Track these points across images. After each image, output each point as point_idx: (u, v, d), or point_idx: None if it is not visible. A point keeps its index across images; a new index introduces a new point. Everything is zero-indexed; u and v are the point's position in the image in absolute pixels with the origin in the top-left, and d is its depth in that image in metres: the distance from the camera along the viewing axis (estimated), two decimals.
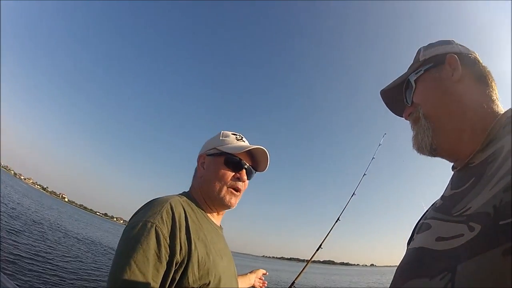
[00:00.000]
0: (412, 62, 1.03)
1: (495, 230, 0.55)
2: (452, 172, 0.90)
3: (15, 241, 13.70)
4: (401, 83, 1.02)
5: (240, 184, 1.41)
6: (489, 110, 0.82)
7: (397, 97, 1.05)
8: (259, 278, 2.13)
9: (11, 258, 10.57)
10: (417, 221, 0.98)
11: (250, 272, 2.09)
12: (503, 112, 0.81)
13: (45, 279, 9.96)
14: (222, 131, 1.52)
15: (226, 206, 1.39)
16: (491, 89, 0.86)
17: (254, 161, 1.51)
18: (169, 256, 1.08)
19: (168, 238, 1.09)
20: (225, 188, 1.37)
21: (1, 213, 19.70)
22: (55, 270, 11.53)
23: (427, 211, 0.96)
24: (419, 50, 1.01)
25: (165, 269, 1.07)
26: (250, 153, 1.48)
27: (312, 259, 3.43)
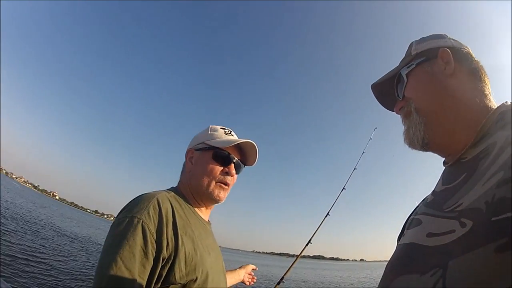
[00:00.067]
0: (403, 56, 1.02)
1: (488, 226, 0.55)
2: (444, 167, 0.89)
3: (10, 242, 13.57)
4: (392, 77, 1.01)
5: (228, 179, 1.40)
6: (482, 105, 0.81)
7: (388, 91, 1.04)
8: (249, 274, 2.13)
9: (7, 260, 10.44)
10: (407, 216, 0.98)
11: (239, 268, 2.08)
12: (495, 107, 0.80)
13: (41, 280, 9.82)
14: (210, 126, 1.50)
15: (215, 200, 1.38)
16: (483, 84, 0.85)
17: (243, 155, 1.50)
18: (155, 252, 1.07)
19: (154, 234, 1.08)
20: (213, 182, 1.36)
21: None
22: (50, 270, 11.43)
23: (417, 206, 0.95)
24: (411, 44, 1.00)
25: (151, 265, 1.06)
26: (239, 147, 1.47)
27: (302, 254, 3.45)
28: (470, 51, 0.92)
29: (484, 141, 0.73)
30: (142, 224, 1.07)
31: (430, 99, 0.87)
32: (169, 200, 1.22)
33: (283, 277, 3.09)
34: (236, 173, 1.45)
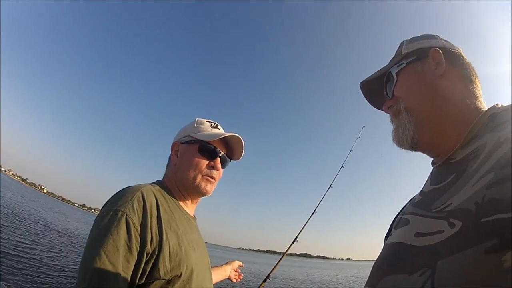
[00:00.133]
0: (393, 55, 1.01)
1: (477, 227, 0.54)
2: (432, 168, 0.89)
3: (1, 237, 13.26)
4: (382, 76, 1.00)
5: (214, 173, 1.38)
6: (472, 106, 0.81)
7: (377, 89, 1.03)
8: (235, 270, 2.11)
9: (1, 256, 10.24)
10: (394, 215, 0.98)
11: (225, 264, 2.06)
12: (486, 109, 0.80)
13: (33, 278, 9.64)
14: (196, 118, 1.49)
15: (202, 193, 1.37)
16: (474, 86, 0.85)
17: (229, 149, 1.49)
18: (139, 247, 1.05)
19: (139, 228, 1.07)
20: (199, 176, 1.34)
21: None
22: (41, 267, 11.23)
23: (405, 206, 0.95)
24: (402, 43, 0.99)
25: (135, 260, 1.04)
26: (225, 141, 1.46)
27: (288, 252, 3.46)
28: (462, 53, 0.92)
29: (473, 142, 0.73)
30: (126, 217, 1.05)
31: (420, 99, 0.87)
32: (154, 194, 1.20)
33: (269, 275, 3.11)
34: (222, 167, 1.43)
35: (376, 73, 1.02)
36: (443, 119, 0.82)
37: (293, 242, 3.57)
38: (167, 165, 1.46)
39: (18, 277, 9.19)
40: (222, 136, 1.39)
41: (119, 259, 1.00)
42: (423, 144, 0.87)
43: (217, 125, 1.48)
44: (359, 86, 1.08)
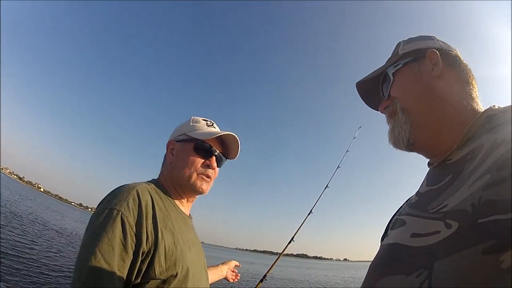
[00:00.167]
0: (390, 55, 1.01)
1: (474, 228, 0.54)
2: (428, 169, 0.89)
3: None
4: (378, 76, 1.00)
5: (210, 172, 1.38)
6: (469, 108, 0.81)
7: (373, 89, 1.03)
8: (232, 270, 2.11)
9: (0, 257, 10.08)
10: (391, 216, 0.98)
11: (221, 264, 2.05)
12: (482, 111, 0.80)
13: (33, 279, 9.50)
14: (192, 117, 1.48)
15: (198, 192, 1.36)
16: (471, 87, 0.85)
17: (225, 148, 1.48)
18: (135, 246, 1.05)
19: (134, 226, 1.06)
20: (195, 174, 1.33)
21: None
22: (40, 267, 11.10)
23: (401, 207, 0.95)
24: (399, 43, 0.99)
25: (131, 259, 1.03)
26: (221, 140, 1.45)
27: (285, 252, 3.46)
28: (459, 54, 0.92)
29: (470, 143, 0.73)
30: (121, 216, 1.05)
31: (416, 99, 0.87)
32: (149, 192, 1.20)
33: (265, 275, 3.09)
34: (218, 166, 1.43)
35: (373, 73, 1.01)
36: (439, 120, 0.82)
37: (289, 242, 3.56)
38: (163, 164, 1.46)
39: (18, 277, 9.08)
40: (217, 135, 1.38)
41: (115, 258, 0.99)
42: (419, 145, 0.87)
43: (212, 123, 1.48)
44: (355, 86, 1.07)
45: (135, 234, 1.05)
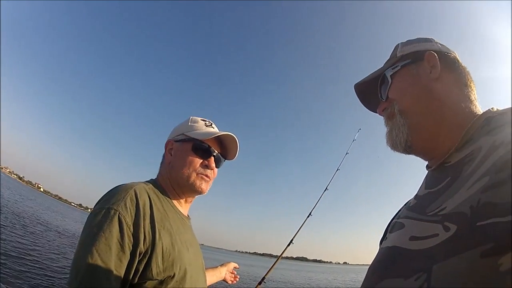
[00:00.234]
0: (388, 57, 1.01)
1: (472, 231, 0.54)
2: (427, 171, 0.88)
3: (1, 238, 12.90)
4: (376, 78, 1.00)
5: (208, 172, 1.37)
6: (467, 110, 0.81)
7: (371, 91, 1.03)
8: (231, 272, 2.10)
9: (2, 259, 9.96)
10: (390, 219, 0.97)
11: (220, 265, 2.05)
12: (481, 113, 0.80)
13: (37, 281, 9.39)
14: (191, 117, 1.48)
15: (197, 191, 1.36)
16: (469, 89, 0.85)
17: (224, 148, 1.48)
18: (132, 246, 1.04)
19: (131, 226, 1.06)
20: (194, 174, 1.33)
21: None
22: (44, 269, 10.98)
23: (400, 210, 0.95)
24: (397, 45, 0.99)
25: (128, 259, 1.03)
26: (220, 141, 1.45)
27: (285, 255, 3.45)
28: (457, 56, 0.92)
29: (468, 146, 0.73)
30: (118, 215, 1.04)
31: (414, 102, 0.87)
32: (147, 192, 1.19)
33: (264, 277, 3.09)
34: (216, 167, 1.42)
35: (371, 75, 1.01)
36: (437, 122, 0.82)
37: (288, 245, 3.55)
38: (161, 164, 1.45)
39: (22, 280, 8.97)
40: (216, 135, 1.38)
41: (112, 258, 0.99)
42: (417, 147, 0.86)
43: (211, 123, 1.47)
44: (353, 88, 1.07)
45: (132, 234, 1.05)
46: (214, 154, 1.40)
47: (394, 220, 0.91)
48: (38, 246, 15.06)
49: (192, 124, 1.44)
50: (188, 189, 1.35)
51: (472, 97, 0.84)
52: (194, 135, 1.38)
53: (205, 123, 1.45)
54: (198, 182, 1.33)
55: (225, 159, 1.50)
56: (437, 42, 0.94)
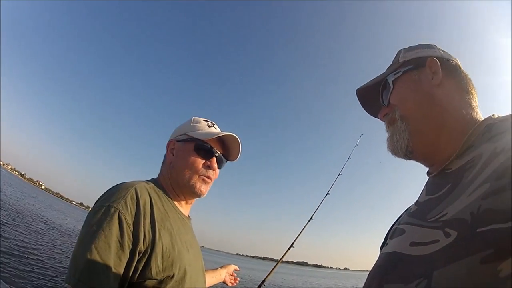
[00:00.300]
0: (391, 63, 1.01)
1: (473, 237, 0.54)
2: (427, 178, 0.89)
3: (3, 236, 12.77)
4: (378, 83, 1.00)
5: (210, 173, 1.37)
6: (468, 117, 0.81)
7: (373, 97, 1.04)
8: (231, 274, 2.09)
9: (5, 258, 9.89)
10: (390, 225, 0.97)
11: (220, 267, 2.03)
12: (482, 119, 0.80)
13: (41, 281, 9.30)
14: (193, 117, 1.47)
15: (196, 194, 1.35)
16: (471, 96, 0.86)
17: (226, 149, 1.47)
18: (132, 245, 1.04)
19: (131, 225, 1.05)
20: (195, 175, 1.32)
21: None
22: (47, 269, 10.93)
23: (400, 216, 0.95)
24: (399, 51, 0.99)
25: (127, 258, 1.03)
26: (222, 141, 1.44)
27: (286, 259, 3.43)
28: (459, 63, 0.92)
29: (469, 152, 0.73)
30: (118, 214, 1.04)
31: (415, 107, 0.87)
32: (148, 191, 1.19)
33: (264, 280, 3.08)
34: (218, 168, 1.42)
35: (373, 80, 1.02)
36: (438, 128, 0.82)
37: (289, 249, 3.54)
38: (163, 163, 1.45)
39: (25, 280, 8.88)
40: (218, 135, 1.37)
41: (111, 256, 0.99)
42: (418, 153, 0.87)
43: (213, 124, 1.47)
44: (355, 93, 1.07)
45: (132, 233, 1.05)
46: (216, 154, 1.39)
47: (394, 226, 0.92)
48: (41, 245, 14.99)
49: (194, 124, 1.43)
50: (187, 191, 1.34)
51: (474, 104, 0.85)
52: (197, 135, 1.37)
53: (208, 124, 1.45)
54: (198, 185, 1.33)
55: (227, 160, 1.49)
56: (439, 49, 0.94)
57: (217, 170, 1.42)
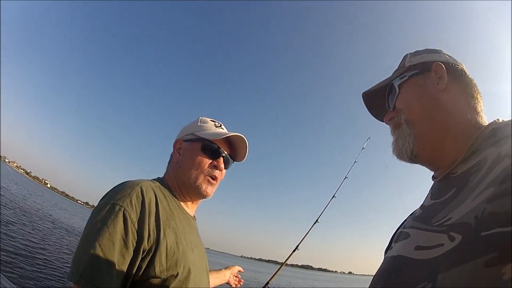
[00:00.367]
0: (397, 67, 1.02)
1: (477, 241, 0.55)
2: (432, 182, 0.89)
3: (10, 235, 12.73)
4: (384, 87, 1.01)
5: (217, 173, 1.36)
6: (473, 121, 0.81)
7: (379, 100, 1.04)
8: (235, 275, 2.08)
9: (11, 257, 9.74)
10: (395, 229, 0.97)
11: (225, 268, 2.03)
12: (487, 124, 0.80)
13: (49, 281, 9.16)
14: (200, 117, 1.47)
15: (202, 195, 1.34)
16: (476, 101, 0.86)
17: (233, 150, 1.46)
18: (136, 243, 1.04)
19: (136, 223, 1.05)
20: (202, 176, 1.32)
21: None
22: (55, 269, 10.78)
23: (405, 220, 0.95)
24: (405, 56, 1.00)
25: (131, 256, 1.02)
26: (229, 142, 1.44)
27: (290, 262, 3.42)
28: (464, 68, 0.92)
29: (474, 156, 0.73)
30: (123, 212, 1.04)
31: (421, 112, 0.87)
32: (153, 190, 1.18)
33: (268, 282, 3.05)
34: (225, 168, 1.41)
35: (379, 84, 1.02)
36: (443, 133, 0.82)
37: (294, 251, 3.53)
38: (169, 163, 1.45)
39: (33, 280, 8.77)
40: (225, 136, 1.37)
41: (115, 254, 0.99)
42: (423, 157, 0.87)
43: (220, 124, 1.46)
44: (361, 96, 1.08)
45: (136, 231, 1.04)
46: (223, 154, 1.39)
47: (399, 230, 0.92)
48: (48, 244, 14.91)
49: (201, 124, 1.43)
50: (193, 191, 1.34)
51: (479, 109, 0.85)
52: (204, 135, 1.37)
53: (215, 124, 1.44)
54: (204, 185, 1.32)
55: (234, 160, 1.49)
56: (445, 54, 0.94)
57: (224, 171, 1.41)
